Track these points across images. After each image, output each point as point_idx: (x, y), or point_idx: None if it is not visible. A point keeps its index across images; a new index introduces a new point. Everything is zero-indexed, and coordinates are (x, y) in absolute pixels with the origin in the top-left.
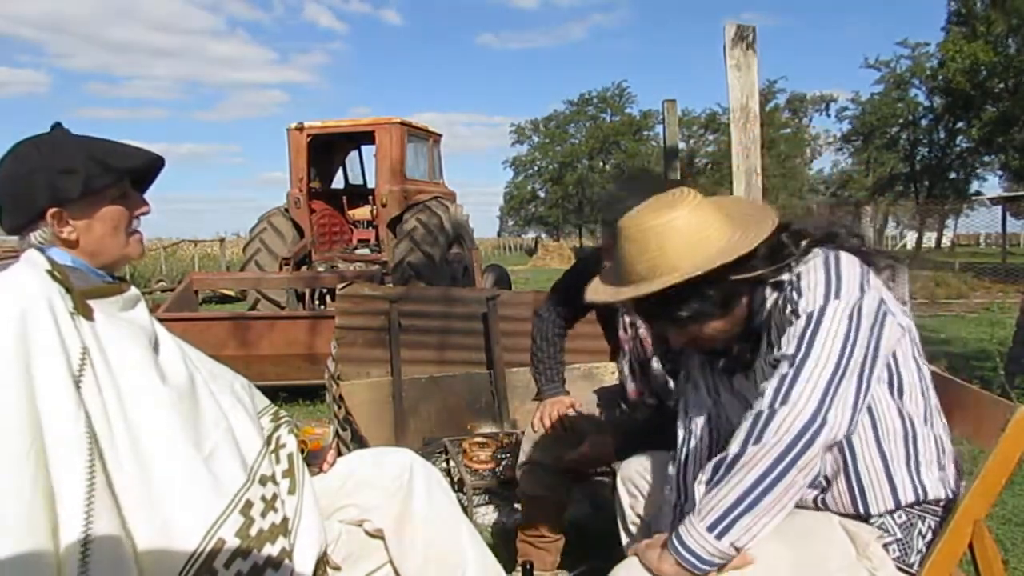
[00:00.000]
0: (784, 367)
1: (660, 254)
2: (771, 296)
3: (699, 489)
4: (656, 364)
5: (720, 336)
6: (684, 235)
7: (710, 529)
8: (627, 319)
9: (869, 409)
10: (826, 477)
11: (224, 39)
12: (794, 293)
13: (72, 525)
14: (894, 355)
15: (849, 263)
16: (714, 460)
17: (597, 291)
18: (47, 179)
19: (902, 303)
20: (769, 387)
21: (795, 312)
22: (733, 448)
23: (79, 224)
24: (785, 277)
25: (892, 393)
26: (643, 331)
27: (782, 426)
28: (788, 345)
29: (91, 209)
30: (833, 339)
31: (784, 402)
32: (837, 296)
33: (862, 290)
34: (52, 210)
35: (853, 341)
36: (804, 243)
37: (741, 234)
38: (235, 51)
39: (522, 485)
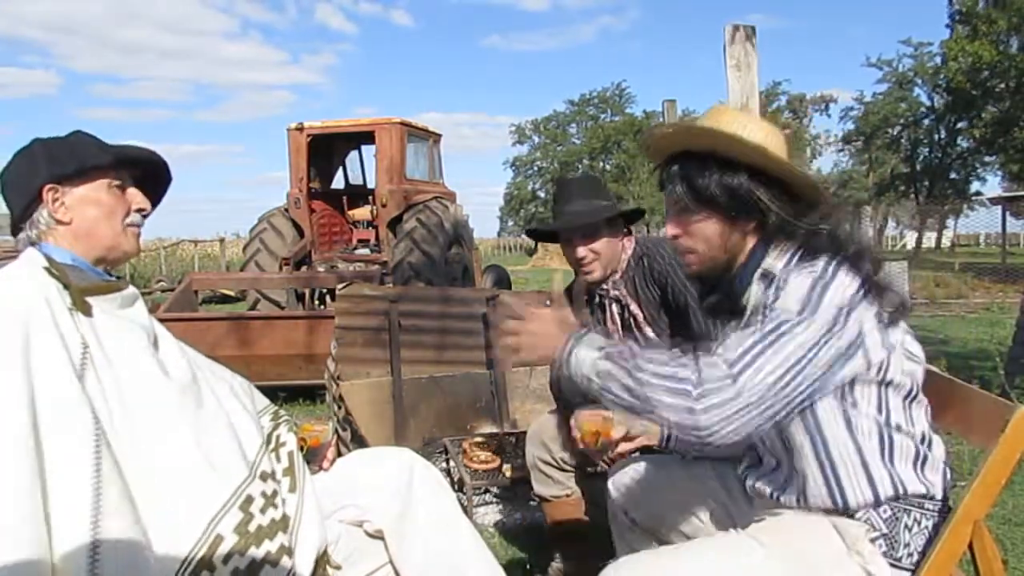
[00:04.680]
0: (752, 338)
1: (756, 127)
2: (757, 285)
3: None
4: (650, 331)
5: (705, 248)
6: (760, 130)
7: (604, 355)
8: (614, 308)
9: (842, 402)
10: (801, 471)
11: (237, 40)
12: (778, 291)
13: (78, 525)
14: (851, 383)
15: (839, 288)
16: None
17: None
18: (46, 156)
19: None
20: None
21: (769, 307)
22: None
23: (73, 204)
24: (777, 270)
25: (842, 400)
26: (633, 308)
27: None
28: (759, 323)
29: (86, 189)
30: (792, 349)
31: (735, 379)
32: (813, 314)
33: (835, 323)
34: (48, 187)
35: (802, 367)
36: (816, 236)
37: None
38: (247, 52)
39: (535, 487)
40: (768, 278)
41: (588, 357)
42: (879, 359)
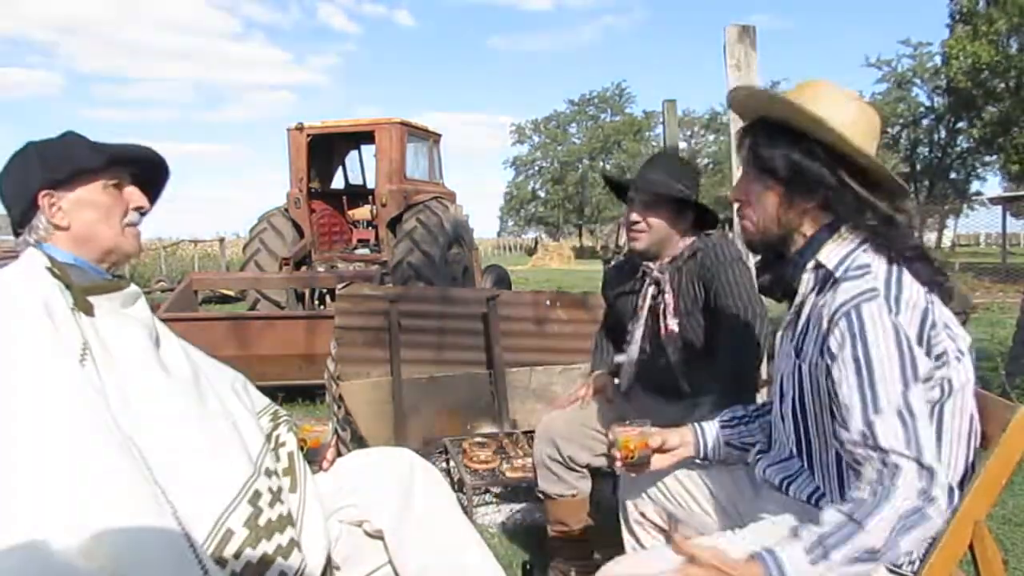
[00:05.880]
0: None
1: (845, 104)
2: (809, 275)
3: (830, 515)
4: (672, 322)
5: (761, 218)
6: (850, 110)
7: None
8: (650, 289)
9: None
10: (815, 470)
11: (240, 41)
12: (856, 334)
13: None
14: None
15: (911, 318)
16: (849, 504)
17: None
18: (39, 160)
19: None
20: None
21: (856, 351)
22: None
23: (70, 208)
24: (831, 264)
25: None
26: (668, 296)
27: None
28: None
29: (82, 192)
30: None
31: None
32: (916, 373)
33: (930, 365)
34: (43, 192)
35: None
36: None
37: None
38: (250, 53)
39: (540, 485)
40: (820, 271)
41: (801, 566)
42: (955, 374)
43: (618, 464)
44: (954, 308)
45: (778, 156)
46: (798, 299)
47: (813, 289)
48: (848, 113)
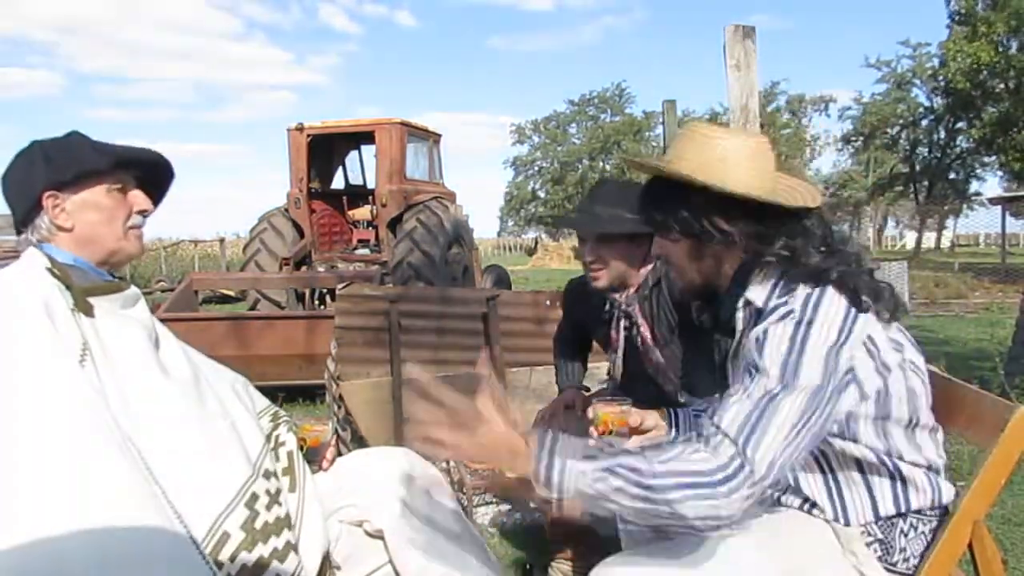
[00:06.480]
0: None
1: (723, 142)
2: (741, 313)
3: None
4: (657, 354)
5: (678, 271)
6: (722, 149)
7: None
8: (622, 323)
9: (843, 436)
10: (806, 480)
11: (241, 41)
12: (760, 345)
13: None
14: (847, 420)
15: (819, 337)
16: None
17: (642, 164)
18: (44, 160)
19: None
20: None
21: (757, 366)
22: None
23: (73, 210)
24: (760, 301)
25: (844, 438)
26: (643, 328)
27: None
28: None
29: (86, 195)
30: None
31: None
32: (795, 380)
33: (822, 382)
34: (47, 193)
35: (799, 428)
36: (792, 266)
37: (777, 192)
38: (251, 53)
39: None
40: (750, 307)
41: (577, 469)
42: (875, 388)
43: (593, 440)
44: (889, 317)
45: (668, 215)
46: (737, 336)
47: (747, 325)
48: (719, 153)
